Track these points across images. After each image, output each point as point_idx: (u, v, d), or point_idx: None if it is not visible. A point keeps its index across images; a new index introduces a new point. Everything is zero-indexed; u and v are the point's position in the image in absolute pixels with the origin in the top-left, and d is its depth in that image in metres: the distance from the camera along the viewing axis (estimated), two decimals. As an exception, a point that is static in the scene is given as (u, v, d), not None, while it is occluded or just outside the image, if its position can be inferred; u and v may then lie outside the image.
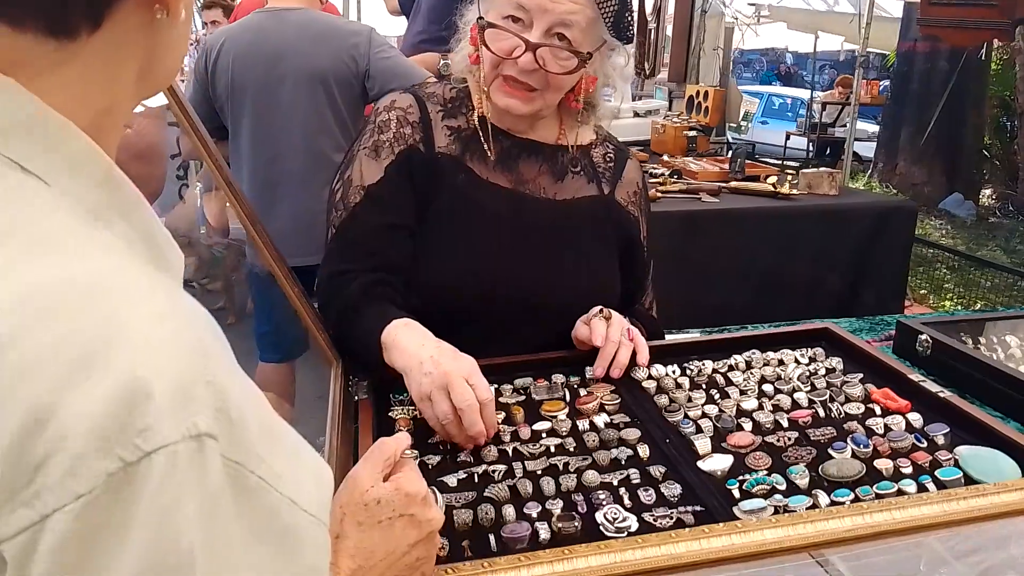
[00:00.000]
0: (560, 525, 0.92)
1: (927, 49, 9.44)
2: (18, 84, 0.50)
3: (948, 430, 1.13)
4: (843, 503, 0.96)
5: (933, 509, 0.93)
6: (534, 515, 0.94)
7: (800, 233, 3.31)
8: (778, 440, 1.11)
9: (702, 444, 1.08)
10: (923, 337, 1.50)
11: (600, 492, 0.98)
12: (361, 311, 1.23)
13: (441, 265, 1.31)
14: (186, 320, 0.49)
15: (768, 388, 1.25)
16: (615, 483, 1.00)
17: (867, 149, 11.06)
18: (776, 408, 1.19)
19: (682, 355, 1.34)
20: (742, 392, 1.24)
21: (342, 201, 1.33)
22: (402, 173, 1.32)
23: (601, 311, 1.30)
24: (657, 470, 1.03)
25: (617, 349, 1.26)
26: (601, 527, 0.92)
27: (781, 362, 1.34)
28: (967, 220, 8.98)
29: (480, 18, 1.26)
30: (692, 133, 4.31)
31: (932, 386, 1.24)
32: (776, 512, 0.94)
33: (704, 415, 1.17)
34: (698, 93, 4.87)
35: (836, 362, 1.34)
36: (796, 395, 1.22)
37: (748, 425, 1.14)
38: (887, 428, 1.14)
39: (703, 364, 1.31)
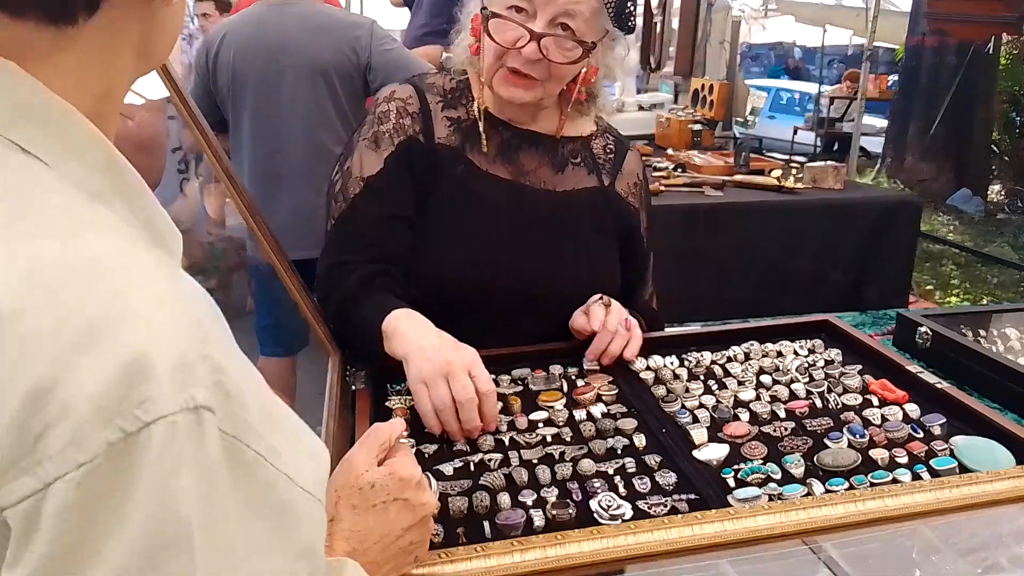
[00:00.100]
0: (555, 512, 0.92)
1: (935, 44, 9.38)
2: (20, 68, 0.50)
3: (944, 420, 1.13)
4: (837, 492, 0.97)
5: (926, 497, 0.94)
6: (529, 503, 0.95)
7: (804, 227, 3.30)
8: (774, 430, 1.11)
9: (698, 434, 1.09)
10: (923, 329, 1.50)
11: (595, 480, 0.99)
12: (361, 302, 1.24)
13: (441, 256, 1.32)
14: (186, 302, 0.50)
15: (766, 379, 1.25)
16: (610, 472, 1.01)
17: (875, 144, 11.01)
18: (773, 399, 1.19)
19: (681, 346, 1.35)
20: (740, 383, 1.24)
21: (342, 192, 1.34)
22: (402, 164, 1.33)
23: (601, 298, 1.30)
24: (653, 459, 1.04)
25: (612, 338, 1.26)
26: (595, 515, 0.92)
27: (780, 354, 1.34)
28: (975, 216, 8.94)
29: (484, 8, 1.26)
30: (697, 127, 4.31)
31: (930, 377, 1.24)
32: (771, 500, 0.95)
33: (701, 405, 1.17)
34: (703, 87, 4.86)
35: (835, 354, 1.34)
36: (794, 386, 1.22)
37: (745, 415, 1.15)
38: (884, 418, 1.14)
39: (701, 355, 1.32)
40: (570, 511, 0.93)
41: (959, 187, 9.44)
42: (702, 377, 1.26)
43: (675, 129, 4.32)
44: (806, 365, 1.30)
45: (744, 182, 3.47)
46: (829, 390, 1.22)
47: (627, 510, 0.93)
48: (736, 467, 1.02)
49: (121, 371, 0.43)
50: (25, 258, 0.45)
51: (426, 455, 1.04)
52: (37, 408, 0.42)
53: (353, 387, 1.20)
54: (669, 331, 1.46)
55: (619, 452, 1.06)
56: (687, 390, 1.22)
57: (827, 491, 0.97)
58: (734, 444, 1.08)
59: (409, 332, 1.13)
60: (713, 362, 1.31)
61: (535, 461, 1.03)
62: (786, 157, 4.58)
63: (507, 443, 1.07)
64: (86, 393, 0.42)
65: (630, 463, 1.03)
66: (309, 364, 2.86)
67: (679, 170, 3.62)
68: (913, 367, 1.27)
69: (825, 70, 15.23)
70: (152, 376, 0.44)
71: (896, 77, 11.26)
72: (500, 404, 1.14)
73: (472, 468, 1.01)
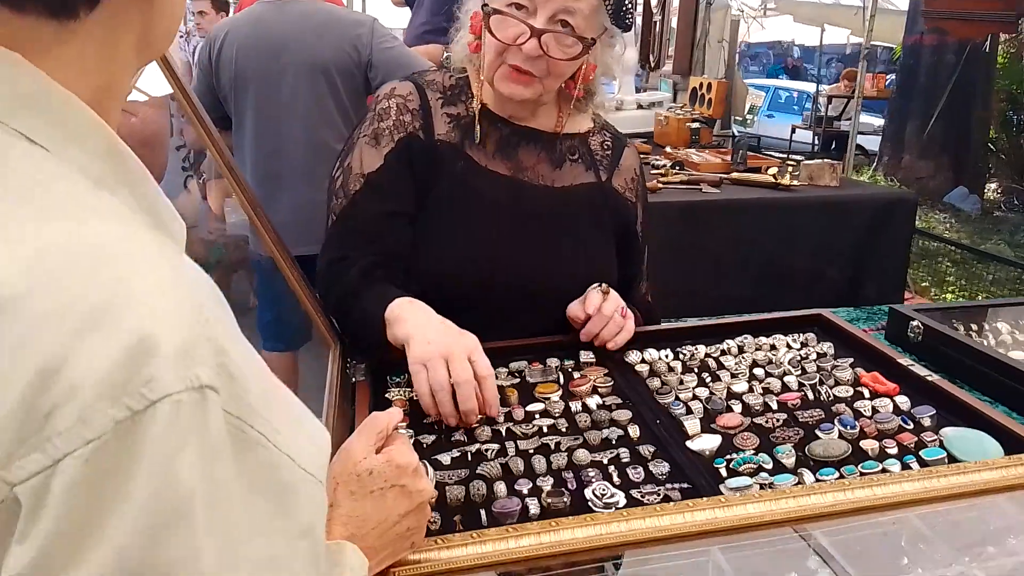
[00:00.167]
0: (549, 501, 0.94)
1: (933, 42, 9.40)
2: (22, 58, 0.51)
3: (934, 412, 1.15)
4: (827, 481, 0.99)
5: (915, 486, 0.95)
6: (525, 491, 0.96)
7: (801, 224, 3.31)
8: (767, 421, 1.13)
9: (691, 425, 1.11)
10: (914, 323, 1.51)
11: (590, 470, 1.01)
12: (361, 294, 1.25)
13: (440, 252, 1.33)
14: (189, 287, 0.51)
15: (759, 372, 1.27)
16: (605, 461, 1.03)
17: (873, 143, 11.03)
18: (766, 391, 1.21)
19: (676, 340, 1.36)
20: (733, 375, 1.26)
21: (342, 189, 1.35)
22: (402, 161, 1.34)
23: (600, 285, 1.32)
24: (647, 449, 1.06)
25: (606, 324, 1.28)
26: (590, 503, 0.94)
27: (773, 347, 1.36)
28: (972, 214, 8.96)
29: (485, 5, 1.28)
30: (695, 125, 4.31)
31: (921, 370, 1.25)
32: (762, 489, 0.97)
33: (695, 397, 1.19)
34: (701, 85, 4.87)
35: (827, 347, 1.36)
36: (786, 378, 1.24)
37: (738, 407, 1.16)
38: (874, 410, 1.16)
39: (696, 348, 1.34)
40: (565, 499, 0.94)
41: (956, 185, 9.47)
42: (696, 370, 1.28)
43: (674, 127, 4.34)
44: (799, 358, 1.31)
45: (741, 179, 3.48)
46: (821, 382, 1.23)
47: (621, 499, 0.95)
48: (728, 457, 1.04)
49: (127, 352, 0.45)
50: (31, 244, 0.47)
51: (424, 445, 1.06)
52: (45, 387, 0.43)
53: (353, 379, 1.22)
54: (665, 325, 1.48)
55: (614, 442, 1.08)
56: (681, 382, 1.24)
57: (817, 480, 0.99)
58: (727, 435, 1.09)
59: (411, 317, 1.15)
60: (707, 355, 1.32)
61: (531, 451, 1.05)
62: (783, 156, 4.59)
63: (504, 433, 1.09)
64: (93, 373, 0.44)
65: (624, 453, 1.05)
66: (311, 359, 2.87)
67: (677, 168, 3.63)
68: (904, 360, 1.29)
69: (823, 69, 15.24)
70: (157, 356, 0.45)
71: (894, 76, 11.28)
72: (499, 396, 1.16)
73: (469, 458, 1.03)
